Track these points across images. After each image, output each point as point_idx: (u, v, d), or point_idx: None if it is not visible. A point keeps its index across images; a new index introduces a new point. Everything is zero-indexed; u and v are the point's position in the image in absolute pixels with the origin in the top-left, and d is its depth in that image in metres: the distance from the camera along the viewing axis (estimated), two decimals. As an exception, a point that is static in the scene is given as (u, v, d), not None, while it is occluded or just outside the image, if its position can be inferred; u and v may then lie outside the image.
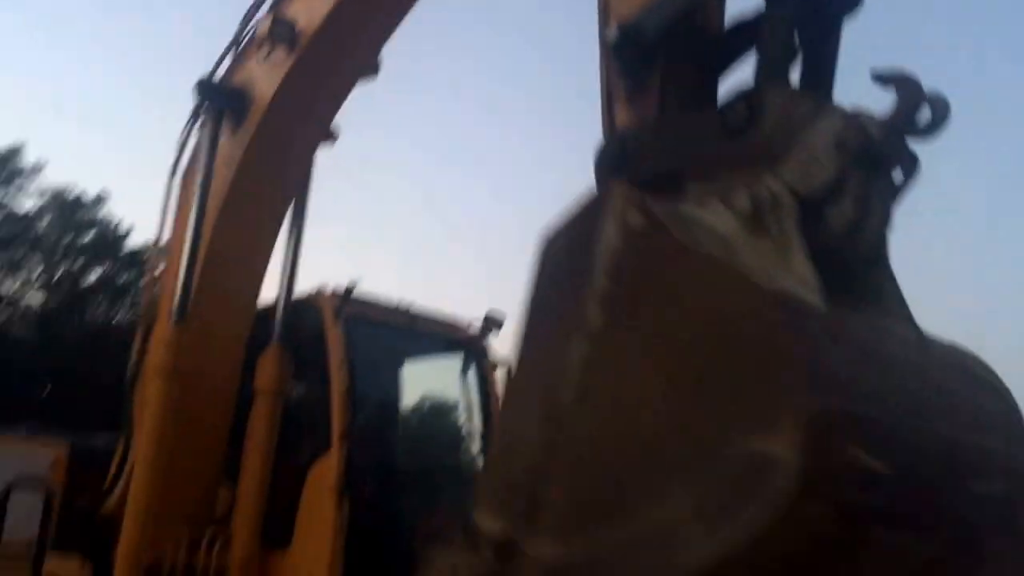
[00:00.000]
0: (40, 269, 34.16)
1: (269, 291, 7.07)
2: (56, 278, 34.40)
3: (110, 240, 35.20)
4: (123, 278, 34.69)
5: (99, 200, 35.16)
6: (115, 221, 35.53)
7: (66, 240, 34.55)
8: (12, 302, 33.40)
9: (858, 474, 1.85)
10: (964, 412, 2.17)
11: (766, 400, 1.90)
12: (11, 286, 33.56)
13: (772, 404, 1.89)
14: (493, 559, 2.21)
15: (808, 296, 2.10)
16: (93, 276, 35.32)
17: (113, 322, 33.09)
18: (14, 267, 33.44)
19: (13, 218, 33.49)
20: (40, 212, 34.28)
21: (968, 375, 2.36)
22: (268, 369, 6.53)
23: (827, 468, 1.83)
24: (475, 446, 7.76)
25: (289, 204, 6.96)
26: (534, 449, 2.24)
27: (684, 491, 1.95)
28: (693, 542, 1.90)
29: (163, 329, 6.57)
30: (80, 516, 6.90)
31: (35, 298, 34.13)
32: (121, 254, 34.96)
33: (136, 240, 34.47)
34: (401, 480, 7.40)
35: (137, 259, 32.04)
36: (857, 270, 2.44)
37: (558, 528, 2.15)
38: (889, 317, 2.40)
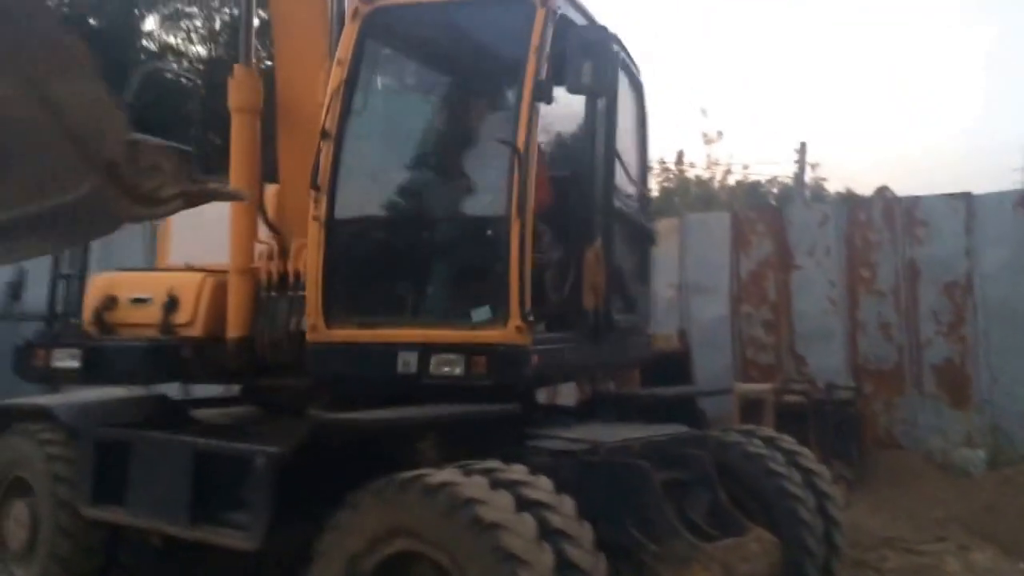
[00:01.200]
0: (201, 20, 34.04)
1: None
2: (217, 28, 34.37)
3: (264, -16, 34.34)
4: (283, 25, 34.10)
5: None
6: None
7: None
8: (179, 53, 33.83)
9: None
10: None
11: None
12: (175, 39, 33.84)
13: None
14: None
15: None
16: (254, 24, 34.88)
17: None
18: (174, 18, 33.54)
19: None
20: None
21: None
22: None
23: None
24: None
25: None
26: None
27: None
28: None
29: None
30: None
31: (199, 49, 34.39)
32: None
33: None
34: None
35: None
36: None
37: None
38: None
